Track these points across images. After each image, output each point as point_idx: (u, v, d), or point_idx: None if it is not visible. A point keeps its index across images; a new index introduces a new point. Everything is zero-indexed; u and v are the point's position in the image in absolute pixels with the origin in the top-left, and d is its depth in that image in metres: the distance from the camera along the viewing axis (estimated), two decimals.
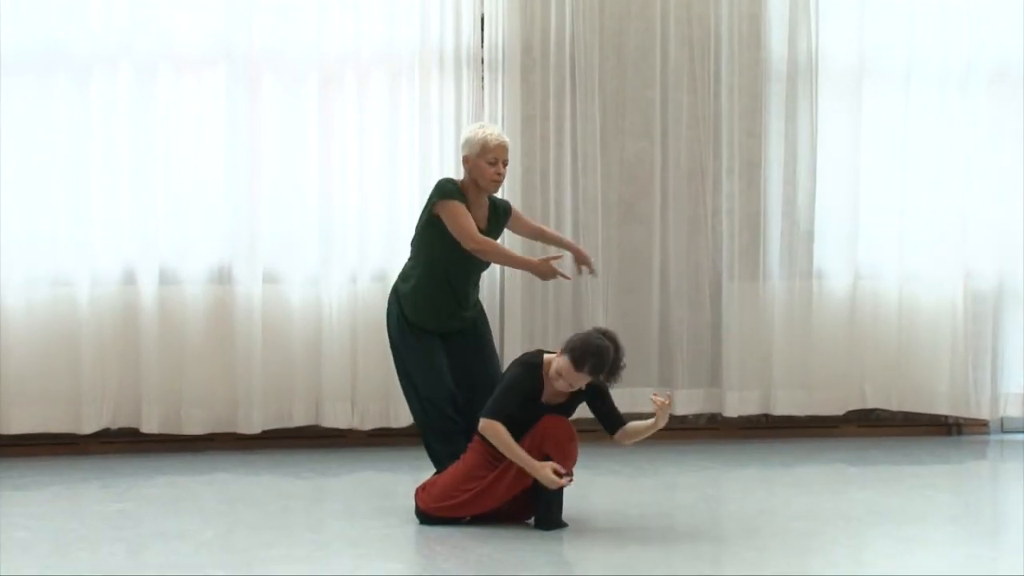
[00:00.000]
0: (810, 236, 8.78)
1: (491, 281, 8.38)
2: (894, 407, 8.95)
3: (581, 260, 7.11)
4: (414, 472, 7.45)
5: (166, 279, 8.29)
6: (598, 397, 6.60)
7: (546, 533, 6.47)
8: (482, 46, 8.50)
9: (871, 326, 8.85)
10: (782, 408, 8.78)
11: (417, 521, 6.63)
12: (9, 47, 8.08)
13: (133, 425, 8.29)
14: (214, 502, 7.23)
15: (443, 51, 8.44)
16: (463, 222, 6.67)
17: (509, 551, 6.19)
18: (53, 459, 8.11)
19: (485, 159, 6.76)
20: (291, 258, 8.41)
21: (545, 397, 6.54)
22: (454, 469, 6.61)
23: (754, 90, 8.69)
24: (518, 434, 6.47)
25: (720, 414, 8.79)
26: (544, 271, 6.76)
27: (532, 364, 6.55)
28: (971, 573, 6.02)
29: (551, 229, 7.74)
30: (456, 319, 6.87)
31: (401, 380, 6.93)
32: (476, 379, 6.84)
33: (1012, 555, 6.24)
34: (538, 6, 8.49)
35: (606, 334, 6.49)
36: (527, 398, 6.50)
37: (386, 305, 6.99)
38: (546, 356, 6.58)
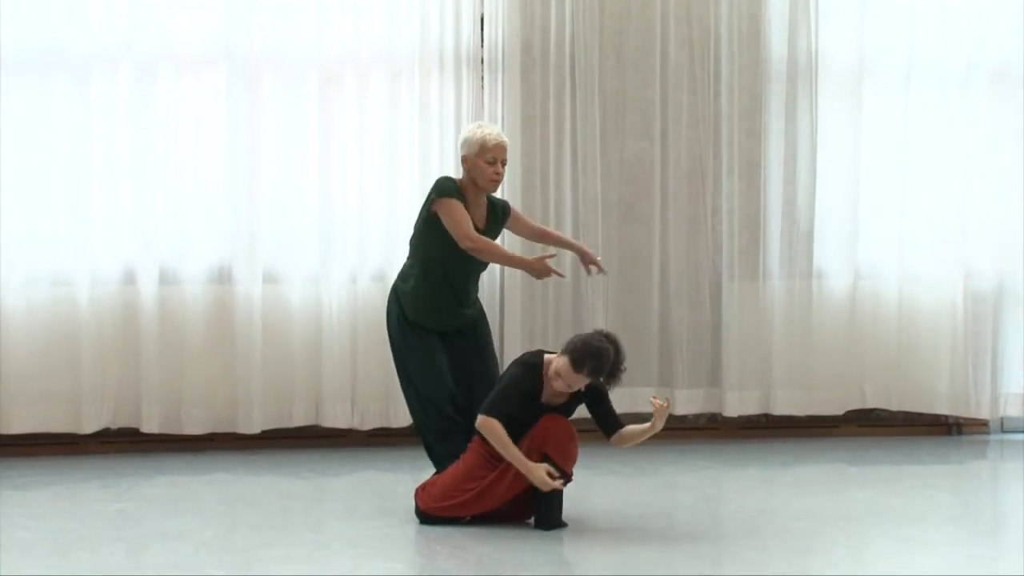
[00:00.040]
0: (810, 236, 8.78)
1: (491, 281, 8.38)
2: (894, 407, 8.95)
3: (588, 260, 7.10)
4: (414, 472, 7.45)
5: (166, 279, 8.29)
6: (597, 399, 6.60)
7: (546, 533, 6.47)
8: (482, 46, 8.50)
9: (871, 326, 8.85)
10: (782, 408, 8.78)
11: (417, 521, 6.63)
12: (9, 47, 8.08)
13: (133, 425, 8.29)
14: (214, 502, 7.23)
15: (443, 51, 8.44)
16: (460, 220, 6.68)
17: (509, 551, 6.19)
18: (53, 459, 8.11)
19: (484, 159, 6.77)
20: (291, 258, 8.41)
21: (545, 397, 6.54)
22: (454, 469, 6.61)
23: (754, 90, 8.69)
24: (518, 434, 6.47)
25: (720, 414, 8.79)
26: (539, 270, 6.75)
27: (532, 364, 6.55)
28: (971, 573, 6.02)
29: (554, 230, 7.73)
30: (456, 317, 6.87)
31: (401, 380, 6.93)
32: (475, 379, 6.84)
33: (1012, 555, 6.24)
34: (538, 6, 8.50)
35: (607, 337, 6.49)
36: (527, 398, 6.50)
37: (386, 305, 6.99)
38: (546, 356, 6.58)
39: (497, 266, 7.86)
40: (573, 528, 6.55)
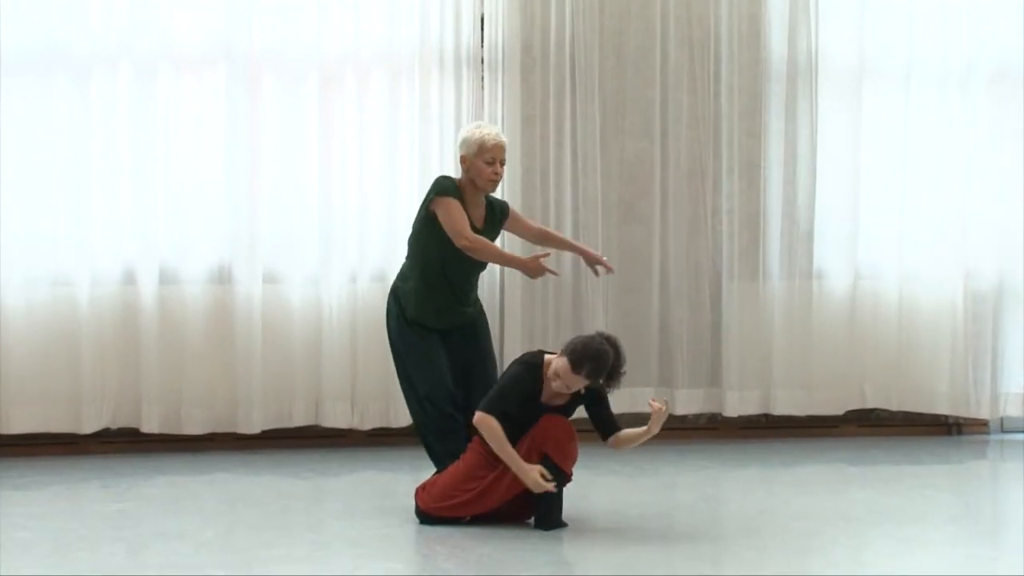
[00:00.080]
0: (810, 236, 8.78)
1: (491, 281, 8.38)
2: (894, 407, 8.95)
3: (593, 260, 7.10)
4: (414, 472, 7.45)
5: (166, 279, 8.29)
6: (596, 401, 6.60)
7: (546, 533, 6.47)
8: (482, 46, 8.50)
9: (871, 326, 8.85)
10: (782, 408, 8.78)
11: (417, 521, 6.63)
12: (9, 47, 8.08)
13: (133, 425, 8.29)
14: (214, 502, 7.23)
15: (443, 51, 8.44)
16: (457, 219, 6.68)
17: (509, 551, 6.19)
18: (53, 459, 8.11)
19: (482, 159, 6.77)
20: (291, 258, 8.41)
21: (545, 397, 6.54)
22: (454, 469, 6.61)
23: (754, 90, 8.69)
24: (518, 434, 6.48)
25: (720, 414, 8.79)
26: (534, 268, 6.75)
27: (532, 364, 6.55)
28: (971, 573, 6.02)
29: (555, 231, 7.70)
30: (456, 315, 6.87)
31: (401, 380, 6.93)
32: (474, 378, 6.85)
33: (1012, 555, 6.24)
34: (538, 6, 8.49)
35: (608, 339, 6.49)
36: (526, 398, 6.50)
37: (385, 305, 6.99)
38: (547, 356, 6.57)
39: (497, 266, 7.85)
40: (573, 528, 6.55)
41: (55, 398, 8.17)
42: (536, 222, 7.63)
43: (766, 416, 8.87)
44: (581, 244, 7.47)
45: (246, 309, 8.28)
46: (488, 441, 6.44)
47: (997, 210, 8.85)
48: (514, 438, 6.47)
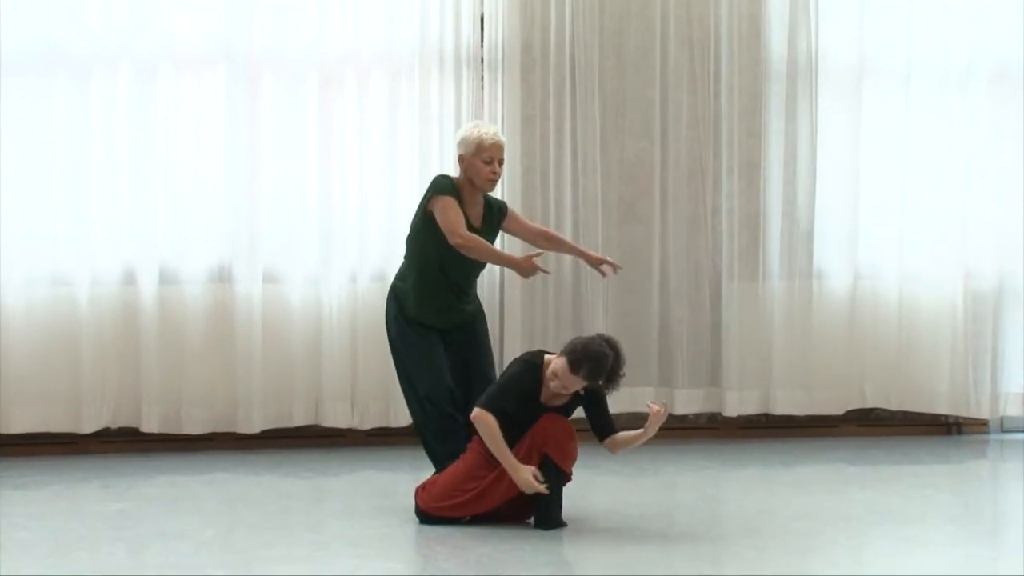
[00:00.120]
0: (810, 236, 8.78)
1: (491, 281, 8.38)
2: (894, 407, 8.95)
3: (597, 262, 7.09)
4: (414, 472, 7.45)
5: (166, 279, 8.29)
6: (594, 402, 6.59)
7: (546, 533, 6.47)
8: (482, 46, 8.50)
9: (871, 326, 8.85)
10: (782, 408, 8.78)
11: (417, 521, 6.63)
12: (9, 47, 8.08)
13: (133, 425, 8.30)
14: (214, 502, 7.23)
15: (443, 51, 8.44)
16: (452, 217, 6.67)
17: (509, 551, 6.19)
18: (53, 459, 8.11)
19: (480, 158, 6.77)
20: (291, 258, 8.41)
21: (544, 397, 6.54)
22: (454, 469, 6.61)
23: (754, 90, 8.68)
24: (518, 434, 6.48)
25: (720, 414, 8.79)
26: (527, 268, 6.75)
27: (532, 364, 6.55)
28: (971, 573, 6.02)
29: (558, 233, 7.64)
30: (456, 313, 6.87)
31: (400, 381, 6.93)
32: (473, 376, 6.85)
33: (1012, 555, 6.24)
34: (538, 6, 8.49)
35: (608, 342, 6.48)
36: (526, 397, 6.49)
37: (385, 305, 7.00)
38: (547, 356, 6.57)
39: (498, 266, 7.85)
40: (573, 528, 6.55)
41: (55, 398, 8.17)
42: (538, 224, 7.61)
43: (766, 416, 8.87)
44: (583, 248, 7.45)
45: (246, 309, 8.28)
46: (483, 437, 6.44)
47: (997, 210, 8.85)
48: (514, 438, 6.47)
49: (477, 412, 6.45)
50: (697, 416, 8.85)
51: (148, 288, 8.22)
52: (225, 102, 8.28)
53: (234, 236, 8.31)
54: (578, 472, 6.65)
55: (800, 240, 8.76)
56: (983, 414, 8.90)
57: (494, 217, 6.95)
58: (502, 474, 6.47)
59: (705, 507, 7.26)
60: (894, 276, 8.86)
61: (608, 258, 7.12)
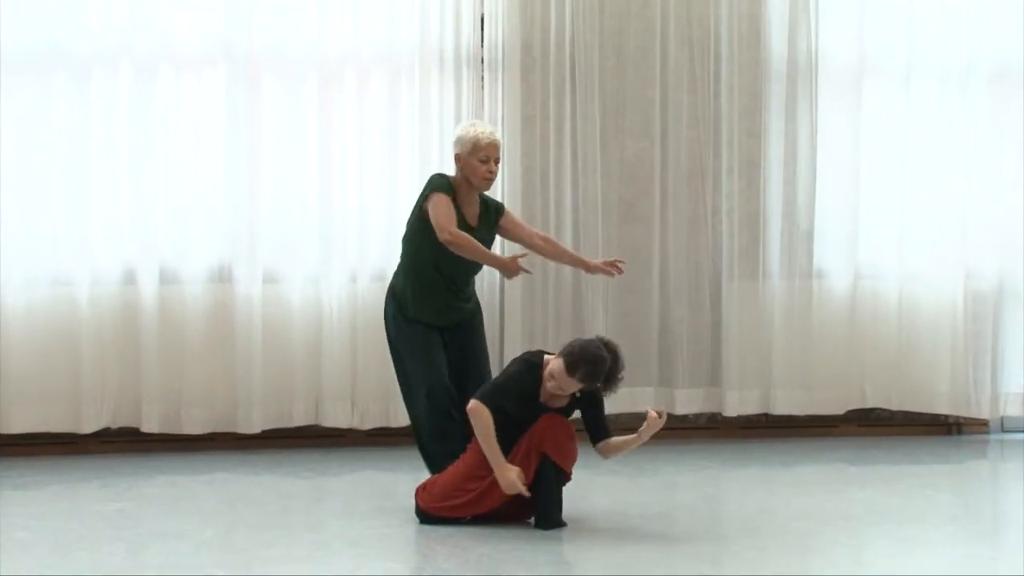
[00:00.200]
0: (810, 236, 8.78)
1: (491, 281, 8.38)
2: (894, 407, 8.95)
3: (597, 270, 7.08)
4: (414, 472, 7.44)
5: (166, 279, 8.29)
6: (591, 404, 6.59)
7: (546, 533, 6.47)
8: (482, 46, 8.49)
9: (871, 326, 8.85)
10: (782, 408, 8.78)
11: (417, 521, 6.63)
12: (9, 47, 8.08)
13: (133, 425, 8.30)
14: (214, 502, 7.23)
15: (443, 51, 8.44)
16: (443, 213, 6.67)
17: (509, 551, 6.19)
18: (53, 459, 8.11)
19: (477, 157, 6.77)
20: (291, 258, 8.41)
21: (543, 397, 6.53)
22: (454, 469, 6.61)
23: (754, 90, 8.69)
24: (517, 434, 6.48)
25: (720, 414, 8.79)
26: (512, 268, 6.74)
27: (532, 363, 6.55)
28: (971, 573, 6.02)
29: (558, 241, 7.60)
30: (455, 311, 6.87)
31: (400, 381, 6.93)
32: (470, 374, 6.84)
33: (1012, 555, 6.24)
34: (538, 6, 8.49)
35: (607, 345, 6.47)
36: (525, 396, 6.49)
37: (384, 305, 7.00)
38: (546, 357, 6.57)
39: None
40: (573, 528, 6.55)
41: (55, 398, 8.17)
42: (538, 231, 7.51)
43: (766, 416, 8.87)
44: (581, 256, 7.43)
45: (246, 309, 8.28)
46: (476, 431, 6.43)
47: (997, 210, 8.85)
48: (513, 438, 6.47)
49: (474, 404, 6.44)
50: (697, 416, 8.85)
51: (148, 288, 8.22)
52: (225, 102, 8.28)
53: (234, 236, 8.31)
54: (578, 472, 6.65)
55: (800, 240, 8.76)
56: (983, 414, 8.90)
57: (491, 216, 6.95)
58: None
59: (705, 507, 7.26)
60: (894, 276, 8.86)
61: (606, 261, 7.11)
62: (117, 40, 8.19)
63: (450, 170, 6.96)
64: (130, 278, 8.25)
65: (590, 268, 7.15)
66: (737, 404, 8.73)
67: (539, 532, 6.48)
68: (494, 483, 6.48)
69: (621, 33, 8.59)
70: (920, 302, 8.88)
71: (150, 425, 8.26)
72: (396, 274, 6.97)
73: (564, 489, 6.56)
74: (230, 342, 8.29)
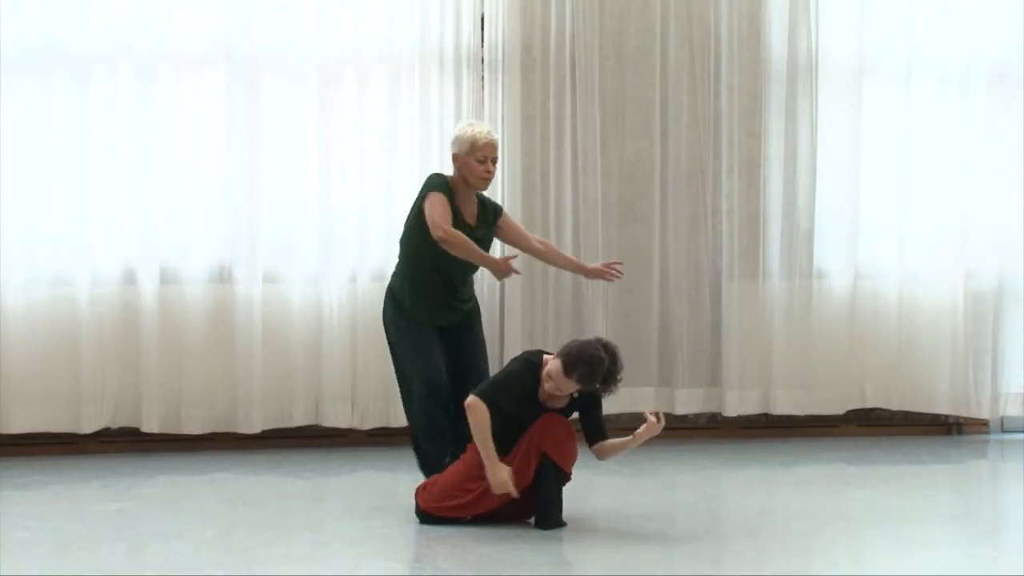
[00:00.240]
0: (810, 236, 8.78)
1: (491, 281, 8.36)
2: (894, 407, 8.95)
3: (595, 274, 7.08)
4: (414, 472, 7.42)
5: (166, 279, 8.29)
6: (589, 405, 6.59)
7: (546, 533, 6.47)
8: (482, 46, 8.49)
9: (871, 326, 8.85)
10: (782, 408, 8.78)
11: (417, 521, 6.63)
12: (9, 47, 8.08)
13: (133, 425, 8.30)
14: (214, 502, 7.23)
15: (443, 51, 8.44)
16: (438, 210, 6.67)
17: (509, 551, 6.19)
18: (53, 459, 8.11)
19: (474, 157, 6.77)
20: (291, 258, 8.41)
21: (541, 397, 6.53)
22: (454, 469, 6.61)
23: (754, 90, 8.68)
24: (517, 434, 6.48)
25: (720, 414, 8.79)
26: (504, 269, 6.74)
27: (532, 363, 6.55)
28: (971, 573, 6.02)
29: (557, 248, 7.56)
30: (453, 311, 6.87)
31: (399, 380, 6.93)
32: (467, 373, 6.84)
33: (1012, 555, 6.24)
34: (538, 6, 8.49)
35: (606, 346, 6.46)
36: (524, 395, 6.48)
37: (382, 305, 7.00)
38: (545, 357, 6.57)
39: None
40: (573, 528, 6.55)
41: (55, 398, 8.17)
42: (537, 236, 7.49)
43: (766, 416, 8.86)
44: (578, 261, 7.43)
45: (246, 309, 8.28)
46: (472, 427, 6.42)
47: (997, 210, 8.85)
48: (513, 438, 6.48)
49: (472, 400, 6.44)
50: (697, 416, 8.85)
51: (148, 288, 8.22)
52: (225, 102, 8.28)
53: (234, 236, 8.31)
54: (578, 472, 6.65)
55: (800, 240, 8.76)
56: (983, 414, 8.90)
57: (489, 216, 6.95)
58: None
59: (705, 507, 7.26)
60: (894, 276, 8.86)
61: (604, 264, 7.10)
62: (117, 40, 8.19)
63: (450, 170, 6.95)
64: (130, 278, 8.25)
65: (587, 273, 7.16)
66: (737, 404, 8.73)
67: (539, 532, 6.48)
68: None
69: (621, 33, 8.59)
70: (920, 302, 8.88)
71: (150, 425, 8.26)
72: (394, 274, 6.97)
73: (564, 489, 6.56)
74: (230, 342, 8.29)
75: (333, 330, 8.37)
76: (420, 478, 6.91)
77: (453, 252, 6.70)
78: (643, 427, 6.48)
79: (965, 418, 8.96)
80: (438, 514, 6.57)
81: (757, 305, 8.73)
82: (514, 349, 8.16)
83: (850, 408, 8.91)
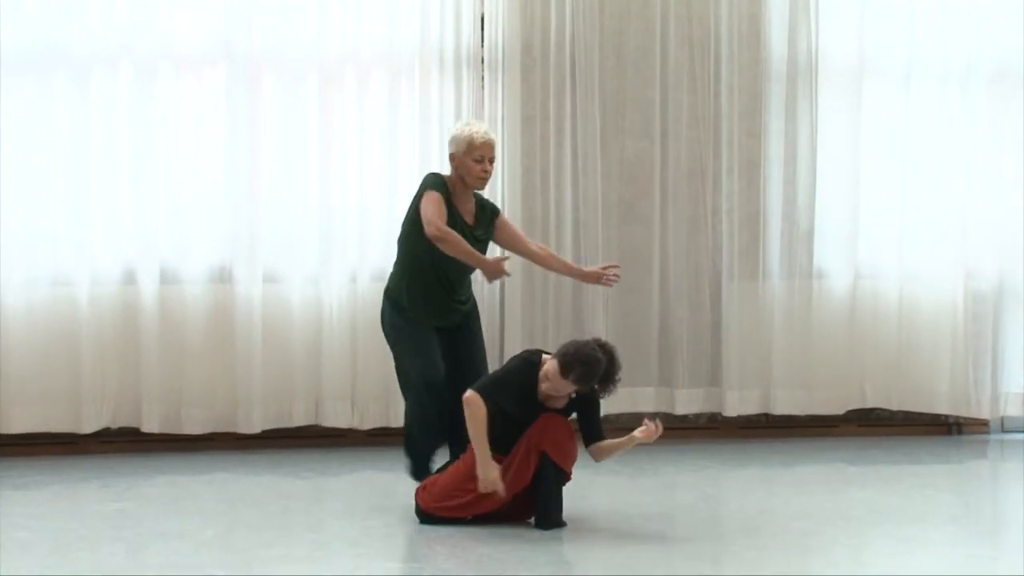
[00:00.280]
0: (810, 236, 8.78)
1: None
2: (894, 407, 8.95)
3: (593, 278, 7.07)
4: None
5: (166, 279, 8.29)
6: (587, 405, 6.59)
7: (546, 533, 6.47)
8: (482, 46, 8.50)
9: (871, 326, 8.85)
10: (782, 408, 8.78)
11: (417, 521, 6.63)
12: (9, 47, 8.08)
13: (133, 425, 8.30)
14: (214, 502, 7.24)
15: (443, 51, 8.44)
16: (433, 209, 6.66)
17: (509, 551, 6.19)
18: (53, 459, 8.11)
19: (472, 156, 6.77)
20: (291, 258, 8.41)
21: (540, 397, 6.52)
22: (454, 469, 6.61)
23: (754, 90, 8.69)
24: (516, 434, 6.48)
25: (720, 414, 8.79)
26: (495, 270, 6.73)
27: (530, 362, 6.55)
28: (971, 573, 6.03)
29: (554, 253, 7.49)
30: (451, 312, 6.86)
31: (399, 377, 6.93)
32: (466, 373, 6.82)
33: (1012, 555, 6.24)
34: (538, 6, 8.49)
35: (603, 347, 6.46)
36: (523, 394, 6.48)
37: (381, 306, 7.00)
38: (544, 356, 6.57)
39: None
40: (573, 528, 6.55)
41: (55, 398, 8.17)
42: (534, 242, 7.47)
43: (766, 416, 8.86)
44: (575, 265, 7.41)
45: (246, 309, 8.28)
46: (468, 421, 6.42)
47: (997, 210, 8.85)
48: (513, 438, 6.48)
49: (470, 394, 6.44)
50: (697, 416, 8.85)
51: (148, 288, 8.22)
52: (225, 102, 8.29)
53: (234, 236, 8.31)
54: (578, 472, 6.65)
55: (800, 240, 8.76)
56: (983, 414, 8.90)
57: (487, 216, 6.95)
58: (502, 474, 6.47)
59: (705, 507, 7.26)
60: (894, 276, 8.86)
61: (602, 267, 7.10)
62: (117, 40, 8.19)
63: (449, 170, 6.95)
64: (130, 278, 8.25)
65: (584, 277, 7.15)
66: (737, 404, 8.73)
67: (539, 532, 6.48)
68: None
69: (621, 33, 8.59)
70: (920, 302, 8.88)
71: (150, 425, 8.26)
72: (392, 275, 6.97)
73: (564, 489, 6.56)
74: (230, 342, 8.30)
75: (333, 330, 8.37)
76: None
77: (446, 250, 6.68)
78: (639, 430, 6.48)
79: (965, 418, 8.96)
80: (438, 514, 6.57)
81: (757, 305, 8.73)
82: (514, 349, 8.16)
83: (850, 408, 8.91)
